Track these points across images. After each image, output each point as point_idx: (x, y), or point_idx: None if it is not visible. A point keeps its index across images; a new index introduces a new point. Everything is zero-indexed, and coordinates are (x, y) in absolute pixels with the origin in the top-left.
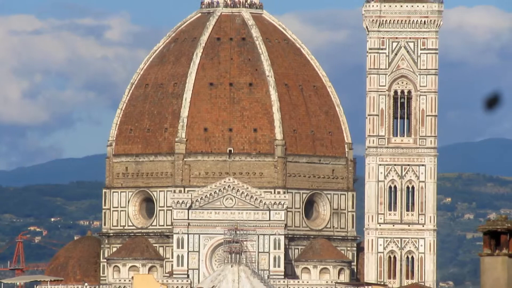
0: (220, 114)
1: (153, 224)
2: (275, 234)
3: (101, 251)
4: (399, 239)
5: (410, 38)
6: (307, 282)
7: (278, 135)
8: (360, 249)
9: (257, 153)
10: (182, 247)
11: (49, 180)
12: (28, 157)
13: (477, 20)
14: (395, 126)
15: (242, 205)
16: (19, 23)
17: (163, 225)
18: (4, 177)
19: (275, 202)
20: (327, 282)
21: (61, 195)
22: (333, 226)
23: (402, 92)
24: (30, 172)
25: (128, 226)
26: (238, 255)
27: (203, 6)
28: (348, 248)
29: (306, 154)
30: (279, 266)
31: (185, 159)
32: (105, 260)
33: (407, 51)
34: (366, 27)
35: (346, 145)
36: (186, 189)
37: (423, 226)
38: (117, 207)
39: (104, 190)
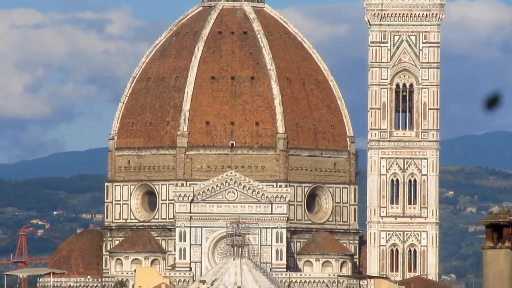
0: (222, 108)
1: (155, 217)
2: (277, 227)
3: (104, 244)
4: (402, 232)
5: (412, 31)
6: (310, 275)
7: (280, 128)
8: (362, 242)
9: (259, 146)
10: (185, 240)
11: (51, 174)
12: (30, 151)
13: (479, 14)
14: (397, 120)
15: (244, 199)
16: (20, 17)
17: (165, 219)
18: (6, 170)
19: (277, 196)
20: (329, 275)
21: (63, 189)
22: (335, 220)
23: (404, 85)
24: (32, 165)
25: (131, 219)
26: (240, 248)
27: (205, 0)
28: (351, 241)
29: (308, 147)
30: (281, 259)
31: (187, 153)
32: (107, 253)
33: (409, 45)
34: (368, 20)
35: (348, 139)
36: (188, 182)
37: (425, 219)
38: (119, 200)
39: (106, 184)
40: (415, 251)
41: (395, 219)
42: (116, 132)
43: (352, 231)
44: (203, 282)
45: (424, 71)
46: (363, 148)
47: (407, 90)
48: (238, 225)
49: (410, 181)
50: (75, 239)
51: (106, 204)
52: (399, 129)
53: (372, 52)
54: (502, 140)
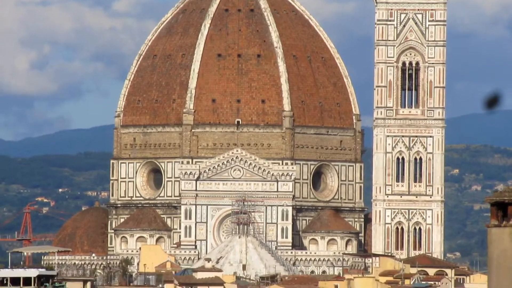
0: (228, 85)
1: (160, 195)
2: (282, 205)
3: (109, 222)
4: (407, 211)
5: (418, 9)
6: (315, 253)
7: (286, 106)
8: (367, 220)
9: (265, 124)
10: (190, 218)
11: (57, 151)
12: (36, 128)
13: None
14: (403, 98)
15: (250, 176)
16: None
17: (171, 196)
18: (12, 147)
19: (283, 173)
20: (334, 253)
21: (68, 166)
22: (340, 198)
23: (410, 63)
24: (38, 142)
25: (136, 197)
26: (245, 226)
27: None
28: (356, 219)
29: (314, 125)
30: (286, 237)
31: (193, 130)
32: (112, 231)
33: (415, 23)
34: None
35: (354, 117)
36: (194, 160)
37: (430, 197)
38: (125, 178)
39: (112, 161)
40: (420, 229)
41: (401, 197)
42: (122, 109)
43: (358, 209)
44: (208, 260)
45: (430, 49)
46: (369, 126)
47: (413, 68)
48: (243, 203)
49: (415, 159)
50: (80, 216)
51: (111, 181)
52: (405, 107)
53: (378, 30)
54: (508, 118)
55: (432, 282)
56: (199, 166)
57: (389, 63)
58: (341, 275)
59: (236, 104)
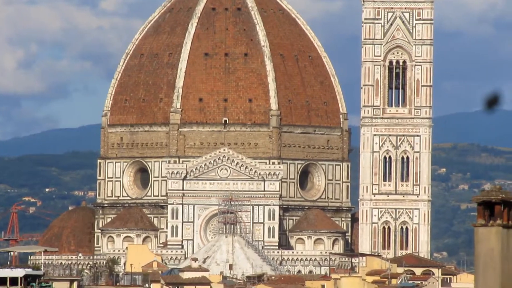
0: (215, 84)
1: (147, 194)
2: (269, 205)
3: (96, 221)
4: (394, 210)
5: (405, 8)
6: (302, 252)
7: (273, 105)
8: (354, 220)
9: (252, 123)
10: (177, 218)
11: (44, 150)
12: (23, 127)
13: None
14: (390, 96)
15: (237, 176)
16: None
17: (158, 196)
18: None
19: (270, 173)
20: (321, 252)
21: (56, 165)
22: (327, 197)
23: (397, 62)
24: (25, 142)
25: (123, 196)
26: (232, 226)
27: None
28: (343, 219)
29: (301, 124)
30: (273, 236)
31: (180, 129)
32: (99, 231)
33: (402, 21)
34: None
35: (341, 115)
36: (181, 159)
37: (417, 196)
38: (112, 177)
39: (99, 161)
40: (407, 228)
41: (388, 196)
42: (109, 108)
43: (345, 208)
44: (195, 259)
45: (418, 48)
46: (356, 125)
47: (400, 67)
48: (230, 202)
49: (402, 158)
50: (67, 216)
51: (98, 181)
52: (392, 106)
53: (365, 28)
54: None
55: (419, 282)
56: (186, 166)
57: (376, 61)
58: (328, 275)
59: (223, 103)
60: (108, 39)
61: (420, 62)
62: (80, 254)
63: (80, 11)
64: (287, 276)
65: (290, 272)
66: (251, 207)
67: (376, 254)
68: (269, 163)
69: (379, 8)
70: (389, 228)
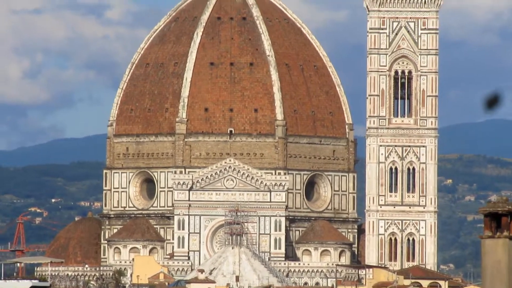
0: (220, 94)
1: (154, 205)
2: (275, 216)
3: (102, 232)
4: (400, 221)
5: (410, 18)
6: (308, 264)
7: (279, 115)
8: (361, 231)
9: (258, 133)
10: (183, 229)
11: (50, 160)
12: (29, 137)
13: (477, 0)
14: (395, 107)
15: (243, 186)
16: (20, 2)
17: (164, 206)
18: (5, 157)
19: (275, 183)
20: (327, 264)
21: (62, 176)
22: (334, 208)
23: (403, 72)
24: (31, 152)
25: (129, 207)
26: (239, 237)
27: None
28: (349, 230)
29: (307, 134)
30: (279, 248)
31: (185, 140)
32: (105, 242)
33: (408, 31)
34: (367, 6)
35: (346, 126)
36: (187, 170)
37: (424, 208)
38: (118, 188)
39: (105, 171)
40: (413, 240)
41: (394, 207)
42: (115, 118)
43: (351, 219)
44: (202, 271)
45: (423, 58)
46: (362, 136)
47: (406, 77)
48: (236, 213)
49: (408, 169)
50: (73, 227)
51: (104, 191)
52: (397, 116)
53: (371, 38)
54: (501, 128)
55: None
56: (192, 176)
57: (381, 71)
58: (335, 287)
59: (228, 113)
60: (114, 48)
61: (425, 72)
62: (86, 265)
63: (86, 21)
64: None
65: (297, 283)
66: (257, 218)
67: (383, 266)
68: (275, 173)
69: (384, 17)
70: (395, 239)
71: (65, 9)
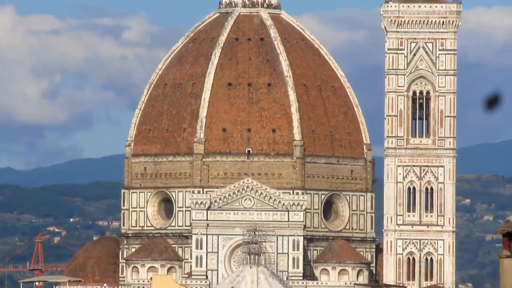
0: (238, 114)
1: (172, 224)
2: (294, 235)
3: (120, 251)
4: (418, 241)
5: (428, 38)
6: (326, 283)
7: (297, 135)
8: (379, 251)
9: (276, 153)
10: (201, 248)
11: (68, 180)
12: (47, 157)
13: (495, 21)
14: (413, 127)
15: (260, 206)
16: (38, 23)
17: (182, 226)
18: (23, 177)
19: (293, 203)
20: (346, 283)
21: (80, 195)
22: (352, 227)
23: (421, 92)
24: (49, 172)
25: (147, 226)
26: (257, 256)
27: (221, 6)
28: (367, 250)
29: (325, 154)
30: (298, 267)
31: (203, 160)
32: (124, 261)
33: (426, 52)
34: (385, 27)
35: (364, 146)
36: (205, 189)
37: (442, 227)
38: (136, 207)
39: (123, 191)
40: (431, 259)
41: (412, 227)
42: (133, 138)
43: (369, 239)
44: None
45: (441, 78)
46: (380, 156)
47: (424, 97)
48: (254, 232)
49: (426, 189)
50: (92, 246)
51: (122, 211)
52: (415, 136)
53: (388, 59)
54: None
55: None
56: (210, 196)
57: (399, 92)
58: None
59: (246, 133)
60: (132, 69)
61: (443, 92)
62: (105, 285)
63: (104, 41)
64: None
65: None
66: (275, 237)
67: (401, 285)
68: (293, 193)
69: (402, 38)
70: (413, 259)
71: (83, 30)
